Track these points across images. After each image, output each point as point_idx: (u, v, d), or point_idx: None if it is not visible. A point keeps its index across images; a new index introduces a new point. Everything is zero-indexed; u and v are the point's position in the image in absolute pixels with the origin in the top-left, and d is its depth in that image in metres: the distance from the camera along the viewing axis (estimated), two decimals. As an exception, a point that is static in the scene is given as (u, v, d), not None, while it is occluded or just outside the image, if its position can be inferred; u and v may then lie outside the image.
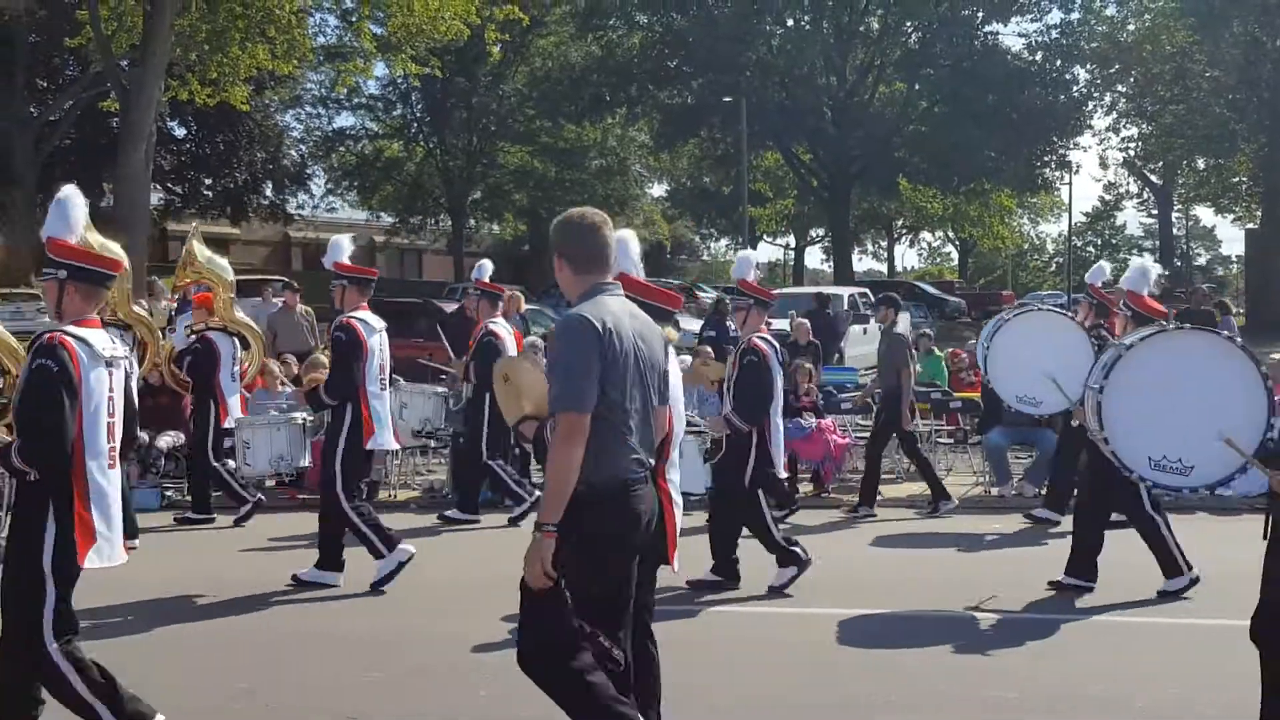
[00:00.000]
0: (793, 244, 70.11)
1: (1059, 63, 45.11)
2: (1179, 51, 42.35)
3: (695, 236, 67.78)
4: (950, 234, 70.28)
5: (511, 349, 10.82)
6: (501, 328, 11.04)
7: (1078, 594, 7.97)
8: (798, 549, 8.23)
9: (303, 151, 46.24)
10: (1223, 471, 6.71)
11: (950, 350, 15.97)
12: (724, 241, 67.22)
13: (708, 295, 35.35)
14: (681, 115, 44.74)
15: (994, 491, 12.15)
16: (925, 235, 74.38)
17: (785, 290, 33.68)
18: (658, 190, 60.86)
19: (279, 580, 8.47)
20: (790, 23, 45.14)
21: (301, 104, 45.23)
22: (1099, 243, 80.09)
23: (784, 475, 9.29)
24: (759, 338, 8.26)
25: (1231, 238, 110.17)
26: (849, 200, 47.15)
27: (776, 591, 8.17)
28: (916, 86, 46.44)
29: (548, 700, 5.95)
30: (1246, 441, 5.82)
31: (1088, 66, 45.98)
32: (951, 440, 13.53)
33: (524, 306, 18.15)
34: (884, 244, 71.12)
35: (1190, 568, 7.93)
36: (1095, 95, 47.10)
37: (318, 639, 7.24)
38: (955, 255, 79.23)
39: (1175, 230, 66.92)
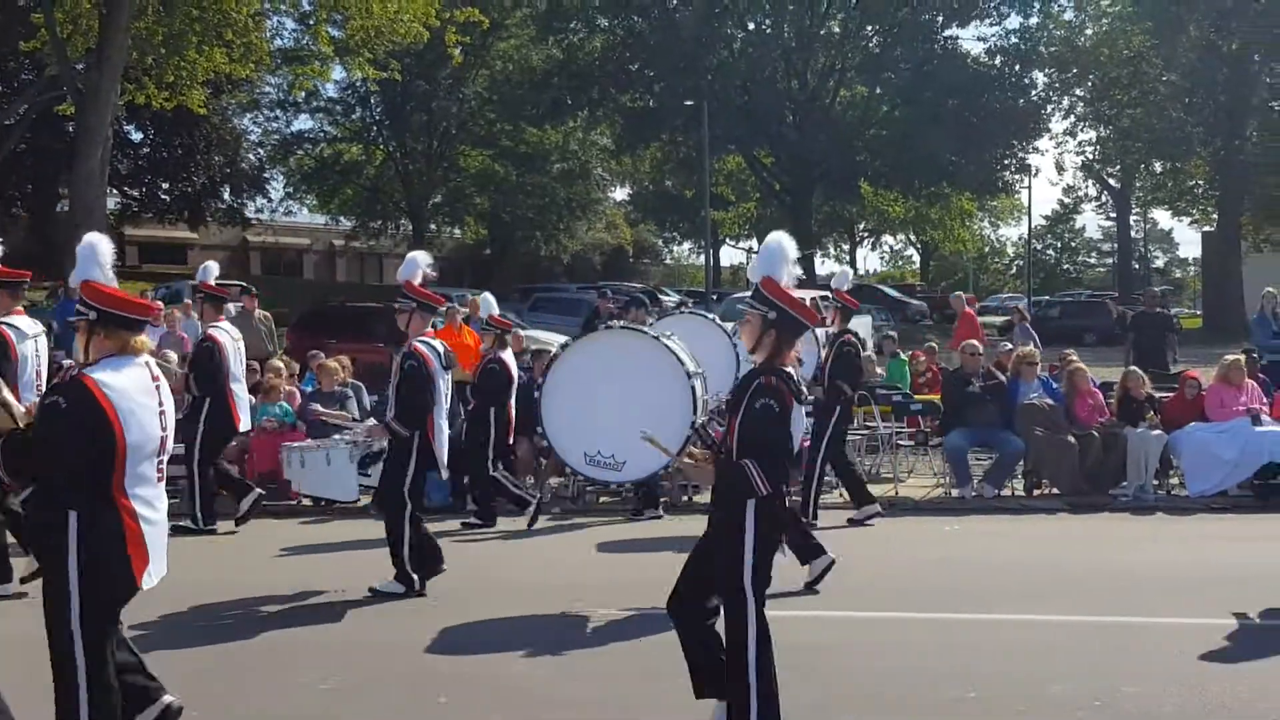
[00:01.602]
0: (755, 247, 70.17)
1: (1018, 67, 45.49)
2: (1136, 55, 42.73)
3: (658, 240, 67.81)
4: (912, 237, 70.70)
5: (232, 354, 10.40)
6: (222, 333, 10.54)
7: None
8: (415, 578, 8.12)
9: (261, 155, 45.95)
10: (651, 466, 7.16)
11: (911, 352, 16.07)
12: (687, 245, 67.39)
13: (671, 299, 35.39)
14: (643, 119, 44.71)
15: (954, 493, 12.20)
16: (887, 238, 74.82)
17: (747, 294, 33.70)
18: (620, 194, 60.88)
19: (230, 589, 8.40)
20: (751, 26, 45.26)
21: (259, 107, 44.92)
22: (1059, 246, 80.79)
23: (446, 475, 9.18)
24: (421, 342, 8.18)
25: (1189, 240, 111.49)
26: (811, 203, 47.31)
27: (379, 593, 8.09)
28: (877, 90, 46.72)
29: (508, 706, 5.93)
30: (671, 435, 5.92)
31: (1046, 70, 46.36)
32: (912, 442, 13.57)
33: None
34: (846, 247, 71.38)
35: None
36: (1054, 99, 47.48)
37: (272, 649, 7.14)
38: (917, 258, 79.69)
39: (1133, 233, 67.56)
